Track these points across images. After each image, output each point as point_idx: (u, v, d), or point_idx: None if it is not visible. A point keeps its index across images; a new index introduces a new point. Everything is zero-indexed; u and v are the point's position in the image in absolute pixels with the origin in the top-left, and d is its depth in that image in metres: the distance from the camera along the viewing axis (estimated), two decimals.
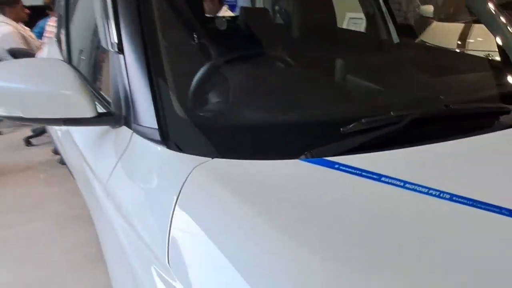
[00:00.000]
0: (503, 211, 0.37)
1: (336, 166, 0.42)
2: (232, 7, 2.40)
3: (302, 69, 0.92)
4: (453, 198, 0.38)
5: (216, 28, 1.06)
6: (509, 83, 0.82)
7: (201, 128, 0.52)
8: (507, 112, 0.57)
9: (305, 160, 0.44)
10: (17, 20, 2.43)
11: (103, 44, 0.65)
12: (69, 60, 1.18)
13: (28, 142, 2.45)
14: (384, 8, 1.39)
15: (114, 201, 0.56)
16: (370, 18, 1.42)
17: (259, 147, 0.50)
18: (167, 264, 0.38)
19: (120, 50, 0.58)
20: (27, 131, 2.46)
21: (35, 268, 1.28)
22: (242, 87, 0.71)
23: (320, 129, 0.53)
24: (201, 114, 0.61)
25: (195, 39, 0.76)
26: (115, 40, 0.58)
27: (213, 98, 0.67)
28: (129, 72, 0.57)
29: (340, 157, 0.43)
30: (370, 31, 1.46)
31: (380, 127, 0.48)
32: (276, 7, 1.46)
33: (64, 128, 1.00)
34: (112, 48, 0.60)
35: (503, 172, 0.46)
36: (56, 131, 1.21)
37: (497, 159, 0.51)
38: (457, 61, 1.17)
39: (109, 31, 0.60)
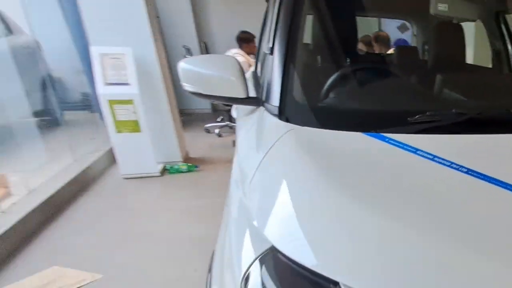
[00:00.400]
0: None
1: (387, 140, 0.67)
2: None
3: (402, 79, 1.23)
4: (469, 171, 0.58)
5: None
6: None
7: (301, 108, 0.84)
8: None
9: (365, 133, 0.70)
10: (249, 53, 3.41)
11: (264, 48, 1.13)
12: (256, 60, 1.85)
13: (233, 143, 3.01)
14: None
15: (239, 163, 0.93)
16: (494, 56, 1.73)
17: (342, 124, 0.75)
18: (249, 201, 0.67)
19: (271, 53, 0.90)
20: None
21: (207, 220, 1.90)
22: (333, 86, 0.96)
23: (388, 119, 0.79)
24: (304, 100, 0.89)
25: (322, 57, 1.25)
26: (270, 45, 0.92)
27: (309, 93, 0.93)
28: (271, 68, 0.88)
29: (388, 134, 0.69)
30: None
31: (417, 122, 0.72)
32: (426, 47, 1.87)
33: (239, 115, 1.40)
34: (267, 51, 0.97)
35: None
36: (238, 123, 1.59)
37: None
38: None
39: (269, 40, 0.96)
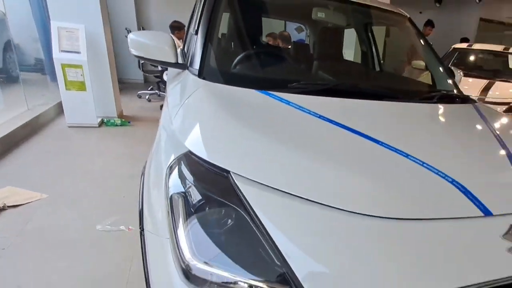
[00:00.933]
0: (396, 150, 0.81)
1: (268, 94, 1.01)
2: None
3: (300, 65, 1.78)
4: (320, 117, 0.92)
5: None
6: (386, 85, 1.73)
7: (216, 72, 1.18)
8: (394, 96, 1.27)
9: (259, 91, 1.03)
10: (179, 38, 3.94)
11: (191, 30, 1.53)
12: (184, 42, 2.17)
13: (161, 107, 3.71)
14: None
15: (168, 105, 1.23)
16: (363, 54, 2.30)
17: (242, 84, 1.08)
18: (175, 124, 0.95)
19: (196, 33, 1.26)
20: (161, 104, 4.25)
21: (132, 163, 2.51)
22: (246, 63, 1.40)
23: (274, 84, 1.14)
24: (216, 67, 1.24)
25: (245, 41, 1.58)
26: (196, 28, 1.28)
27: (219, 61, 1.32)
28: (195, 44, 1.24)
29: (276, 92, 1.02)
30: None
31: (292, 87, 1.09)
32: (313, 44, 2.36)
33: (169, 76, 1.77)
34: (193, 31, 1.32)
35: (405, 128, 1.06)
36: (167, 84, 1.92)
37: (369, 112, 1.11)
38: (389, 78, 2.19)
39: (195, 25, 1.33)
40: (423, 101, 1.38)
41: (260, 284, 0.57)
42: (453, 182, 0.76)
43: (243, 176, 0.67)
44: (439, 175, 0.78)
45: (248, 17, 1.72)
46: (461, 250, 0.66)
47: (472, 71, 4.40)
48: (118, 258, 1.51)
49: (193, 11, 2.04)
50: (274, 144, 0.79)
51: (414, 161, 0.80)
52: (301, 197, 0.64)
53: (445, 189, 0.75)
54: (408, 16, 1.81)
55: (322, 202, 0.64)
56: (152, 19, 5.81)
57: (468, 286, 0.59)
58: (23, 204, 1.84)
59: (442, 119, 1.36)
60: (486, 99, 3.64)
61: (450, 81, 1.64)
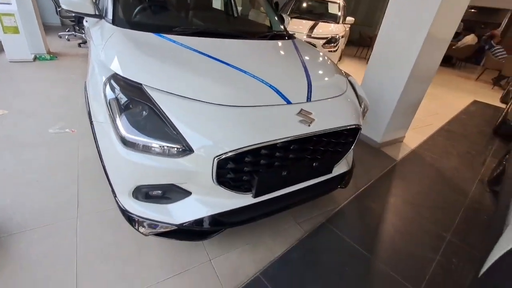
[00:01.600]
0: (240, 69, 1.46)
1: (162, 36, 1.61)
2: None
3: (175, 13, 2.29)
4: (193, 49, 1.54)
5: None
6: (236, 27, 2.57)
7: (124, 21, 1.73)
8: (243, 36, 1.94)
9: (155, 34, 1.61)
10: None
11: None
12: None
13: (79, 45, 5.46)
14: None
15: (94, 44, 1.73)
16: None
17: (143, 29, 1.64)
18: (102, 56, 1.48)
19: None
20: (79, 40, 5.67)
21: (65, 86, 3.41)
22: (144, 14, 1.95)
23: (164, 28, 1.70)
24: (125, 18, 1.80)
25: None
26: None
27: (125, 12, 1.84)
28: (105, 1, 1.87)
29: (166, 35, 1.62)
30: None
31: (176, 31, 1.70)
32: None
33: (90, 25, 2.19)
34: None
35: (247, 55, 1.72)
36: (88, 31, 2.34)
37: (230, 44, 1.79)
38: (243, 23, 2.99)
39: None
40: (261, 39, 2.04)
41: (164, 143, 1.12)
42: (269, 85, 1.39)
43: (149, 86, 1.21)
44: (261, 81, 1.39)
45: None
46: (271, 121, 1.26)
47: (304, 14, 5.97)
48: (68, 150, 2.23)
49: None
50: (166, 66, 1.33)
51: (247, 74, 1.42)
52: (183, 96, 1.20)
53: (263, 88, 1.36)
54: None
55: (196, 98, 1.20)
56: None
57: (280, 138, 1.22)
58: None
59: (269, 49, 1.97)
60: (312, 35, 4.87)
61: (281, 25, 2.53)
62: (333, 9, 5.87)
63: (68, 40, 5.86)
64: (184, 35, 1.69)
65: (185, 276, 1.41)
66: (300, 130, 1.31)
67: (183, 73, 1.33)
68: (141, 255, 1.48)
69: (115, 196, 1.35)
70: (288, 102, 1.37)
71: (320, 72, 1.82)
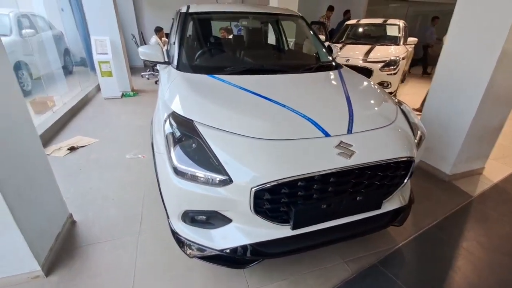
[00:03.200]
0: (279, 103, 1.54)
1: (213, 77, 1.85)
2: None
3: (229, 54, 2.62)
4: (241, 88, 1.69)
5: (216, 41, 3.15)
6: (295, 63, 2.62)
7: (186, 66, 2.05)
8: (288, 71, 2.08)
9: (208, 75, 1.87)
10: (160, 37, 6.43)
11: (171, 41, 2.75)
12: (167, 47, 2.97)
13: (155, 82, 6.55)
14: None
15: (161, 86, 2.11)
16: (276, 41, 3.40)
17: (200, 71, 1.94)
18: (166, 97, 1.75)
19: (174, 43, 2.26)
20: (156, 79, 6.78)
21: (142, 118, 4.13)
22: (203, 58, 2.33)
23: (217, 69, 1.96)
24: (187, 63, 2.12)
25: (202, 43, 2.67)
26: (173, 40, 2.41)
27: (187, 59, 2.18)
28: (174, 50, 2.18)
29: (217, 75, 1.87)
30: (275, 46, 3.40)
31: (229, 71, 1.95)
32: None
33: (161, 70, 2.59)
34: (172, 42, 2.52)
35: (288, 89, 1.80)
36: (160, 74, 2.70)
37: (290, 84, 1.89)
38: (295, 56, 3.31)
39: (174, 37, 2.36)
40: (307, 71, 2.11)
41: (208, 173, 1.23)
42: (306, 117, 1.43)
43: (199, 122, 1.37)
44: (298, 114, 1.45)
45: (201, 27, 2.73)
46: (307, 154, 1.27)
47: (360, 39, 5.80)
48: (138, 172, 2.65)
49: (171, 28, 3.20)
50: (213, 104, 1.51)
51: (285, 107, 1.49)
52: (229, 131, 1.31)
53: (300, 121, 1.41)
54: (301, 15, 2.74)
55: (240, 133, 1.30)
56: (146, 26, 8.36)
57: (316, 171, 1.22)
58: (86, 145, 3.25)
59: (311, 81, 2.02)
60: (368, 59, 4.56)
61: (329, 56, 2.58)
62: (392, 31, 5.62)
63: (148, 78, 6.97)
64: (233, 74, 1.88)
65: None
66: (338, 163, 1.28)
67: (227, 110, 1.47)
68: (186, 277, 1.59)
69: (168, 218, 1.51)
70: (327, 135, 1.37)
71: (365, 102, 1.75)
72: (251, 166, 1.23)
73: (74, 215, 2.02)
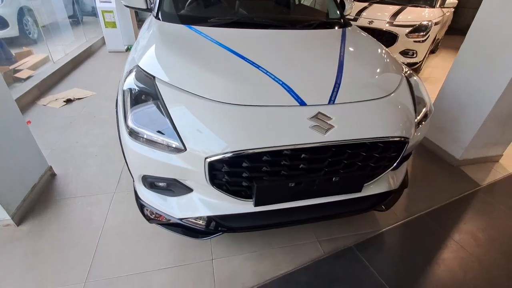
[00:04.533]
0: (253, 64, 1.32)
1: (192, 28, 1.63)
2: None
3: (226, 4, 2.12)
4: (217, 43, 1.46)
5: None
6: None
7: (166, 15, 1.79)
8: (282, 26, 1.79)
9: (186, 26, 1.65)
10: None
11: None
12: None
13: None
14: None
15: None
16: None
17: (180, 22, 1.69)
18: (134, 49, 1.64)
19: None
20: None
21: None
22: (189, 7, 1.98)
23: (199, 20, 1.71)
24: (168, 11, 1.84)
25: None
26: None
27: (167, 8, 1.85)
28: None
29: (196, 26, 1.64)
30: None
31: (211, 22, 1.69)
32: None
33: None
34: None
35: (272, 48, 1.53)
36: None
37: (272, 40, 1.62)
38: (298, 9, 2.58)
39: None
40: (304, 28, 1.83)
41: (162, 138, 1.10)
42: (281, 82, 1.24)
43: (160, 79, 1.22)
44: (273, 78, 1.25)
45: None
46: (276, 124, 1.09)
47: None
48: None
49: None
50: (181, 61, 1.34)
51: (261, 70, 1.29)
52: (190, 92, 1.16)
53: (274, 86, 1.22)
54: None
55: (200, 95, 1.15)
56: None
57: (282, 145, 1.05)
58: (83, 98, 3.20)
59: (307, 41, 1.73)
60: (395, 23, 4.00)
61: (338, 11, 2.21)
62: None
63: None
64: (215, 27, 1.64)
65: (183, 269, 1.42)
66: (311, 137, 1.09)
67: (193, 68, 1.29)
68: (151, 240, 1.56)
69: (133, 181, 1.44)
70: (302, 103, 1.17)
71: (362, 69, 1.48)
72: (208, 134, 1.08)
73: (55, 168, 2.01)
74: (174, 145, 1.11)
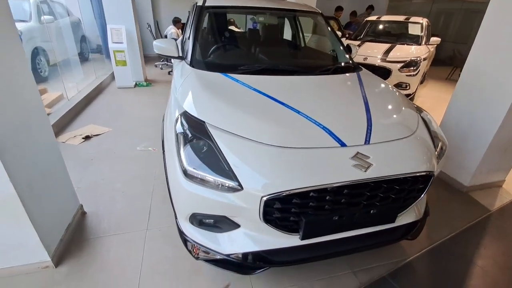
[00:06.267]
0: (294, 109, 1.48)
1: (228, 76, 1.80)
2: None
3: (245, 51, 2.54)
4: (255, 89, 1.64)
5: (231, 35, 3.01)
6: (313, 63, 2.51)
7: (199, 63, 2.00)
8: (305, 72, 2.03)
9: (222, 74, 1.82)
10: (178, 28, 6.58)
11: (186, 36, 2.50)
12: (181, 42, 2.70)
13: (168, 73, 6.53)
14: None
15: (174, 82, 2.04)
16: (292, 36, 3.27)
17: (214, 69, 1.87)
18: (178, 94, 1.71)
19: (189, 38, 2.18)
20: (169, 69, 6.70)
21: (154, 109, 4.18)
22: (217, 55, 2.29)
23: (231, 68, 1.90)
24: (201, 59, 2.07)
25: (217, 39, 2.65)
26: (188, 35, 2.25)
27: (201, 56, 2.11)
28: (188, 46, 2.11)
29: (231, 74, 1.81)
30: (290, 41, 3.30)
31: (242, 69, 1.89)
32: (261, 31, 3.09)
33: (174, 64, 2.60)
34: (187, 37, 2.29)
35: (304, 93, 1.71)
36: (173, 67, 2.78)
37: (305, 87, 1.80)
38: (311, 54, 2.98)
39: (189, 33, 2.26)
40: (324, 73, 2.05)
41: (218, 178, 1.19)
42: (321, 126, 1.37)
43: (211, 124, 1.33)
44: (314, 122, 1.38)
45: (217, 22, 2.67)
46: (321, 164, 1.21)
47: (380, 37, 5.56)
48: (148, 165, 2.65)
49: (187, 21, 3.05)
50: (226, 106, 1.47)
51: (302, 115, 1.43)
52: (242, 136, 1.27)
53: (315, 130, 1.34)
54: (320, 11, 2.63)
55: (252, 138, 1.26)
56: (162, 16, 8.45)
57: (329, 183, 1.16)
58: (100, 134, 3.29)
59: (331, 85, 1.94)
60: (387, 59, 4.53)
61: (347, 55, 2.48)
62: (414, 29, 5.37)
63: (161, 68, 6.99)
64: (247, 74, 1.83)
65: None
66: (353, 175, 1.22)
67: (241, 113, 1.43)
68: (191, 278, 1.58)
69: (176, 218, 1.50)
70: (343, 145, 1.31)
71: (385, 110, 1.67)
72: (263, 174, 1.19)
73: (84, 206, 2.05)
74: (230, 185, 1.21)
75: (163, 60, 7.15)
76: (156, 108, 4.19)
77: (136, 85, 5.30)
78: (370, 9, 7.29)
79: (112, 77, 5.40)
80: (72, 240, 1.78)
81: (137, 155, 2.86)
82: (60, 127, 3.37)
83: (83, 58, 6.15)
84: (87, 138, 3.17)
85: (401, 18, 5.70)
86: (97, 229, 1.89)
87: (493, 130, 2.27)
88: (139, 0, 7.39)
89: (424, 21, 5.42)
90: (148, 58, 7.80)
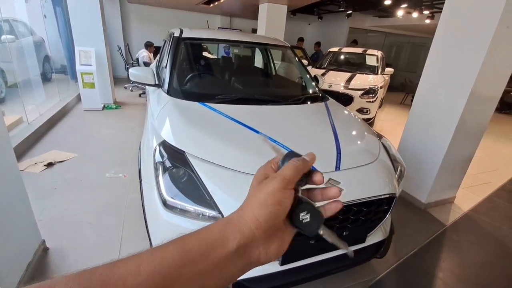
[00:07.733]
0: (270, 138, 1.52)
1: (205, 105, 1.85)
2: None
3: (220, 79, 2.66)
4: (230, 117, 1.71)
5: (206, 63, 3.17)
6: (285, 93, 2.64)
7: (177, 91, 2.05)
8: (278, 102, 2.12)
9: (200, 103, 1.88)
10: (150, 52, 6.63)
11: (162, 64, 2.60)
12: (156, 69, 2.89)
13: (139, 95, 6.41)
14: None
15: (151, 109, 2.02)
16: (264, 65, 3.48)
17: (191, 98, 1.93)
18: (156, 123, 1.73)
19: (165, 67, 2.29)
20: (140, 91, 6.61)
21: (125, 133, 4.01)
22: (194, 83, 2.34)
23: (208, 97, 1.96)
24: (178, 88, 2.12)
25: (193, 68, 2.69)
26: (165, 64, 2.39)
27: (178, 84, 2.17)
28: (165, 74, 2.20)
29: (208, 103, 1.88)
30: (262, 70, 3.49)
31: (222, 100, 1.96)
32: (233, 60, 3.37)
33: (150, 90, 2.51)
34: (164, 65, 2.43)
35: (278, 123, 1.82)
36: (148, 92, 2.80)
37: (269, 114, 1.92)
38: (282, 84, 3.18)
39: (166, 61, 2.39)
40: (295, 103, 2.19)
41: (199, 208, 1.20)
42: None
43: (191, 154, 1.36)
44: (289, 151, 1.62)
45: (194, 52, 2.75)
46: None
47: (342, 66, 6.12)
48: (119, 192, 2.53)
49: (162, 49, 3.18)
50: (206, 137, 1.51)
51: (277, 143, 1.48)
52: (221, 165, 1.32)
53: None
54: (289, 45, 2.87)
55: (232, 168, 1.31)
56: (133, 38, 8.52)
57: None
58: (64, 161, 3.09)
59: (302, 114, 2.08)
60: (349, 87, 4.99)
61: (315, 86, 2.69)
62: (371, 61, 5.98)
63: (131, 90, 6.90)
64: (224, 103, 1.91)
65: None
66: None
67: (219, 143, 1.48)
68: None
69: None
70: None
71: (351, 137, 1.84)
72: (242, 202, 1.23)
73: (47, 241, 1.89)
74: (211, 214, 1.23)
75: (133, 82, 7.01)
76: (126, 132, 4.06)
77: (104, 107, 5.12)
78: (317, 45, 8.29)
79: (78, 98, 5.17)
80: (33, 280, 1.61)
81: (106, 183, 2.72)
82: (19, 153, 3.11)
83: (46, 78, 5.82)
84: (49, 165, 2.96)
85: (359, 50, 6.33)
86: (61, 266, 1.74)
87: (442, 152, 2.57)
88: (109, 22, 7.32)
89: (379, 53, 6.07)
90: (118, 80, 7.64)
